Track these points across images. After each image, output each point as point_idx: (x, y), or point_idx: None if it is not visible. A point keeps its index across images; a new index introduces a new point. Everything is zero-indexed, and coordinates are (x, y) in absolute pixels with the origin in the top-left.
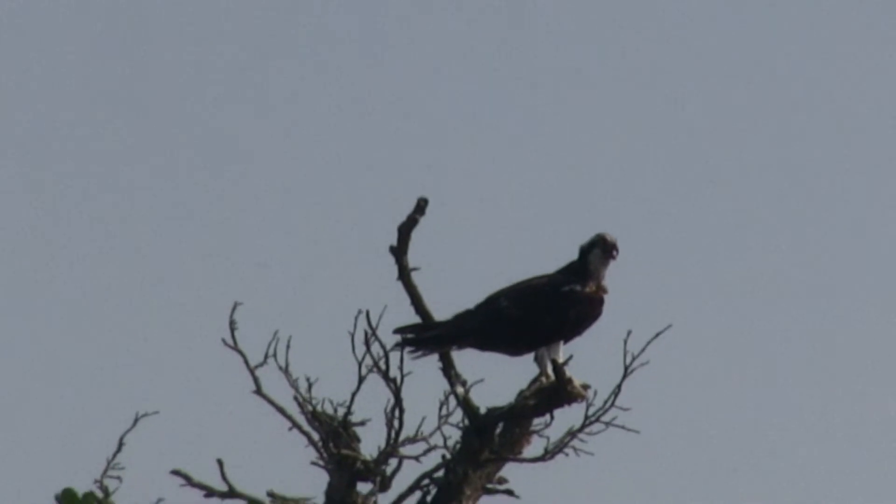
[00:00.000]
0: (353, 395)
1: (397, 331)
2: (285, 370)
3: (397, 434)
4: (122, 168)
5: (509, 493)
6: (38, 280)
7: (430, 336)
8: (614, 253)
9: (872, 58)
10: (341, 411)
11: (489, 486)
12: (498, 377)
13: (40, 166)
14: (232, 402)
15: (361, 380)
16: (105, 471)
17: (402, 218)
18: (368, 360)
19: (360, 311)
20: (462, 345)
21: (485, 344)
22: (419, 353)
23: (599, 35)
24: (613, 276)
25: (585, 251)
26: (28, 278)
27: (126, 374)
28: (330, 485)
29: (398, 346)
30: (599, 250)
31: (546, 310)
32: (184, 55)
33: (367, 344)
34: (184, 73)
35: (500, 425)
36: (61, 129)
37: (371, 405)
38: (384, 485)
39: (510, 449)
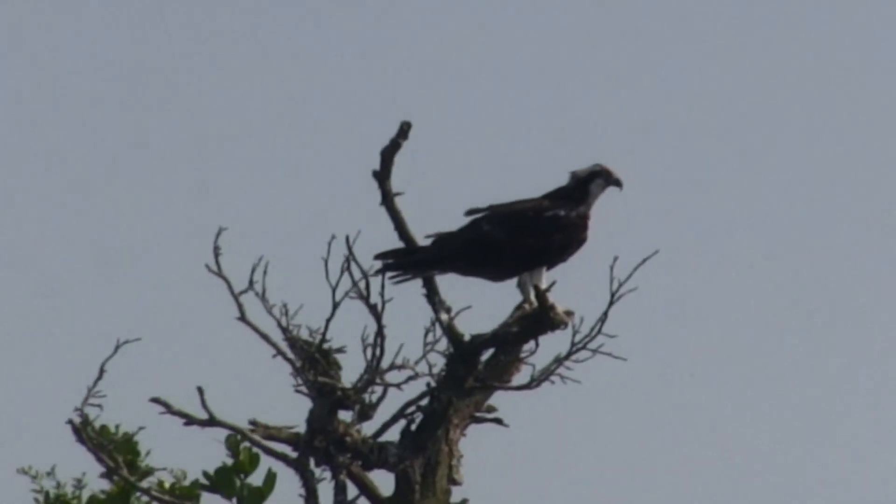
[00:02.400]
0: (328, 321)
1: (378, 256)
2: (262, 296)
3: (378, 361)
4: (105, 97)
5: (498, 421)
6: (22, 203)
7: (411, 260)
8: (619, 187)
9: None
10: (319, 338)
11: (477, 414)
12: (484, 304)
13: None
14: (216, 329)
15: (335, 305)
16: (86, 398)
17: (385, 142)
18: (348, 286)
19: (333, 237)
20: (444, 269)
21: (466, 268)
22: (400, 277)
23: None
24: (599, 202)
25: (585, 180)
26: (11, 200)
27: (108, 300)
28: (311, 412)
29: (379, 271)
30: (603, 181)
31: (529, 234)
32: None
33: (349, 269)
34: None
35: (488, 353)
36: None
37: (356, 332)
38: (365, 413)
39: (497, 377)
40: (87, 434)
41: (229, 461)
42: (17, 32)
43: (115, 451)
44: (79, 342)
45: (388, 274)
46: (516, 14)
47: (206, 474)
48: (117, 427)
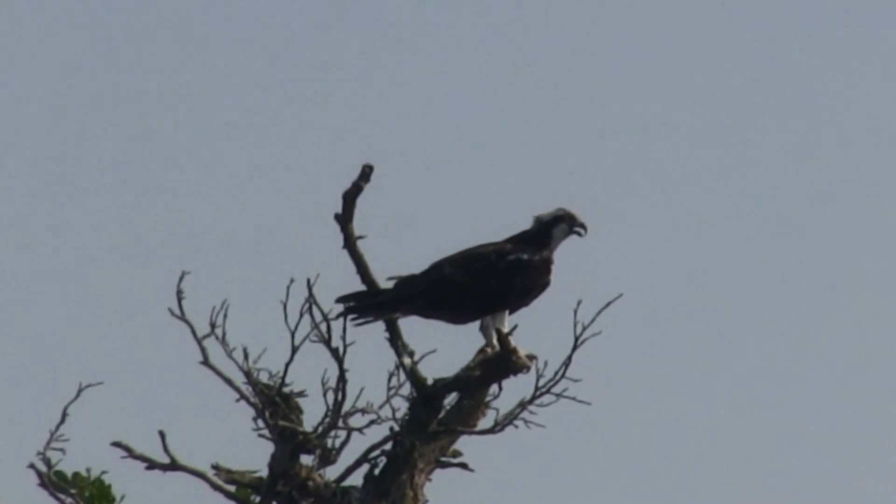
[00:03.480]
0: (287, 364)
1: (340, 299)
2: (222, 340)
3: (339, 405)
4: (66, 136)
5: (463, 466)
6: None
7: (372, 303)
8: (581, 232)
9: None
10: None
11: (443, 459)
12: (447, 348)
13: None
14: (179, 372)
15: (295, 349)
16: (48, 442)
17: (347, 185)
18: (307, 330)
19: (291, 280)
20: (406, 311)
21: (428, 310)
22: (362, 320)
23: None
24: (563, 245)
25: (549, 224)
26: None
27: (70, 344)
28: (273, 456)
29: (341, 314)
30: (566, 226)
31: (491, 277)
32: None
33: (311, 312)
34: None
35: (453, 397)
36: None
37: (319, 376)
38: (327, 457)
39: (463, 421)
40: (50, 478)
41: None
42: None
43: (90, 496)
44: (41, 386)
45: (350, 317)
46: (482, 54)
47: None
48: (88, 470)
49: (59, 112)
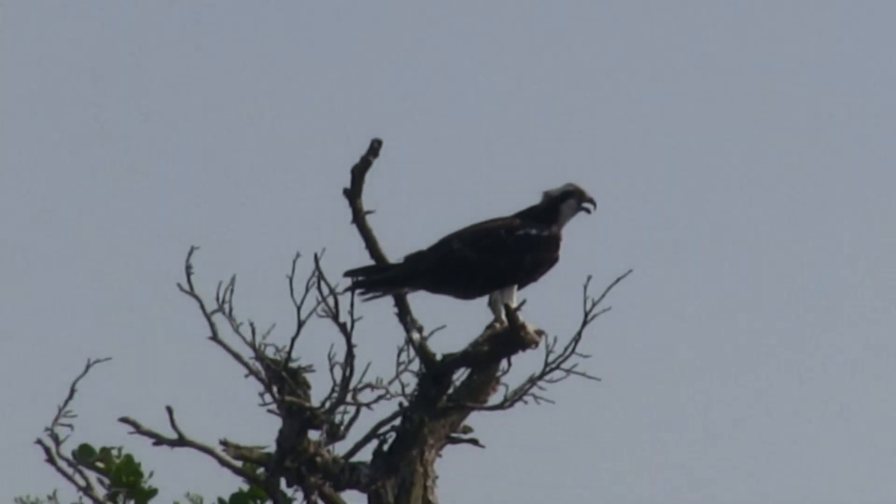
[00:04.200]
0: (293, 339)
1: (347, 273)
2: (229, 315)
3: (347, 381)
4: (72, 113)
5: (474, 442)
6: None
7: (380, 278)
8: (590, 207)
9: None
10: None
11: (453, 434)
12: (459, 323)
13: None
14: (187, 348)
15: (301, 324)
16: (56, 418)
17: (356, 160)
18: (314, 304)
19: (298, 254)
20: (413, 286)
21: (436, 286)
22: (370, 295)
23: None
24: (573, 220)
25: (557, 199)
26: None
27: (78, 319)
28: (280, 432)
29: (349, 289)
30: (575, 201)
31: (499, 252)
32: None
33: (319, 287)
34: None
35: (463, 373)
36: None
37: (327, 352)
38: (335, 433)
39: (473, 397)
40: (59, 454)
41: (245, 486)
42: None
43: (117, 470)
44: (50, 361)
45: (358, 291)
46: (490, 32)
47: (221, 501)
48: (120, 450)
49: (66, 86)
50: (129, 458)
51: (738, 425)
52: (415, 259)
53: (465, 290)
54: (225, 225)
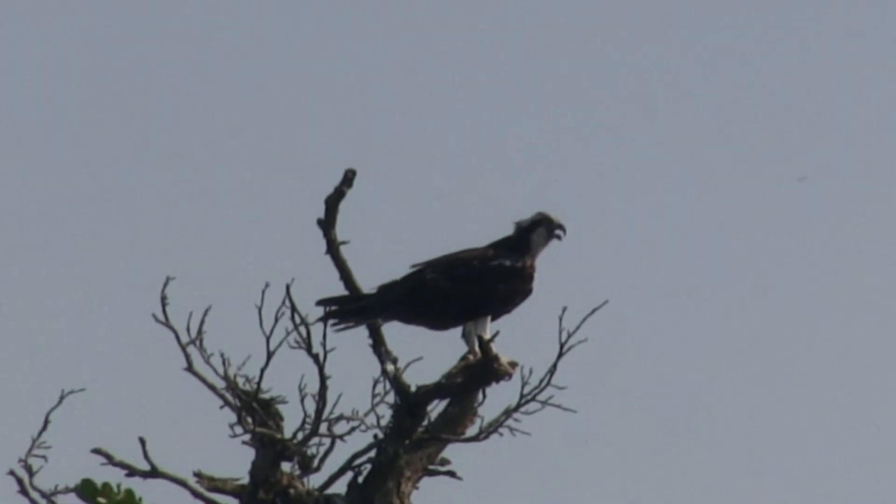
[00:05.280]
0: (262, 370)
1: (320, 302)
2: (200, 346)
3: (320, 412)
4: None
5: (451, 474)
6: None
7: (353, 307)
8: (560, 234)
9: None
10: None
11: (430, 467)
12: (434, 355)
13: None
14: (162, 378)
15: (270, 354)
16: (30, 449)
17: (329, 190)
18: (285, 335)
19: (267, 284)
20: (387, 316)
21: (410, 316)
22: (343, 325)
23: None
24: (548, 251)
25: (527, 229)
26: None
27: (53, 350)
28: (253, 464)
29: (321, 318)
30: (545, 230)
31: (473, 282)
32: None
33: (293, 317)
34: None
35: (439, 404)
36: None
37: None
38: (307, 464)
39: (451, 428)
40: (32, 486)
41: None
42: None
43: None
44: (23, 392)
45: (331, 321)
46: (464, 58)
47: None
48: (118, 486)
49: (40, 116)
50: (129, 492)
51: (715, 456)
52: (388, 289)
53: (438, 320)
54: (200, 256)
